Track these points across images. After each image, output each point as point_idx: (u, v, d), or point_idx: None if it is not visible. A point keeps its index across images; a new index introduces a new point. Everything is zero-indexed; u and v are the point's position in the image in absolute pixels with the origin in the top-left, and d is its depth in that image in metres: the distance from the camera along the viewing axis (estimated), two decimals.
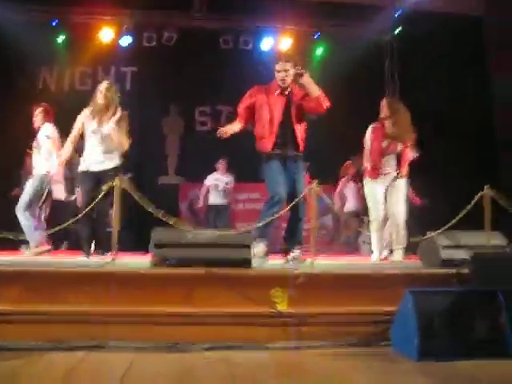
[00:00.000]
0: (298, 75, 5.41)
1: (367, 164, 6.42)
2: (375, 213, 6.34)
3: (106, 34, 11.00)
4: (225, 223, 9.90)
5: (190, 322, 3.73)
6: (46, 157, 6.65)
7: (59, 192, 8.46)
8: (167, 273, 3.93)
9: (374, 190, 6.36)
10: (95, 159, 5.91)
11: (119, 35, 11.14)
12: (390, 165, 6.35)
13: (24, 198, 6.51)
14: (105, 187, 4.73)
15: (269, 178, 5.50)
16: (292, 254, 5.39)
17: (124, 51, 11.29)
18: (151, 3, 10.51)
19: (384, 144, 6.31)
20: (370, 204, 6.45)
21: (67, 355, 3.41)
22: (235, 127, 5.53)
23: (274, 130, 5.44)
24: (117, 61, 11.57)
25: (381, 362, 3.37)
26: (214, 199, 10.21)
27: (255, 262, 4.34)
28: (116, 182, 4.50)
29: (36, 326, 3.67)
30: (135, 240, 8.89)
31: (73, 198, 8.57)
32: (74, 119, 6.11)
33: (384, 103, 6.44)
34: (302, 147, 5.57)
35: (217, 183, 10.17)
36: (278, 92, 5.48)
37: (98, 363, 3.29)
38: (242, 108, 5.61)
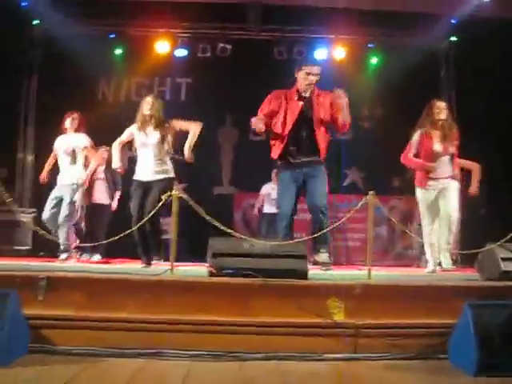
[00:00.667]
0: (340, 97, 5.39)
1: (416, 169, 6.37)
2: (426, 220, 6.27)
3: (161, 46, 11.21)
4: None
5: (247, 332, 3.75)
6: (81, 165, 6.84)
7: (102, 197, 8.71)
8: (224, 282, 3.95)
9: (424, 196, 6.28)
10: (146, 169, 6.01)
11: (174, 47, 11.33)
12: (442, 169, 6.23)
13: (63, 209, 6.67)
14: (164, 196, 4.80)
15: (278, 190, 5.54)
16: (320, 256, 5.37)
17: (179, 63, 11.47)
18: (206, 16, 10.66)
19: (436, 147, 6.18)
20: (421, 211, 6.37)
21: (126, 362, 3.48)
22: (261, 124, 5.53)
23: (286, 137, 5.42)
24: (172, 72, 11.76)
25: (437, 376, 3.32)
26: (268, 208, 10.25)
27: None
28: (174, 191, 4.57)
29: (96, 332, 3.73)
30: (189, 250, 8.99)
31: (112, 203, 8.78)
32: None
33: (443, 105, 6.31)
34: (322, 154, 5.52)
35: (270, 192, 10.21)
36: (296, 98, 5.48)
37: (155, 371, 3.34)
38: (261, 114, 5.62)
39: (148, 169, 5.99)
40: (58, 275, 4.04)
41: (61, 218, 6.65)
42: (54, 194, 6.80)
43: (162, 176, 5.97)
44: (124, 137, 6.18)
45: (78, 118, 6.92)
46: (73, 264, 6.44)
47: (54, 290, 3.87)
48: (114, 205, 8.69)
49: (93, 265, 6.52)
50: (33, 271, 4.13)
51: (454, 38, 11.09)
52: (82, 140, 6.90)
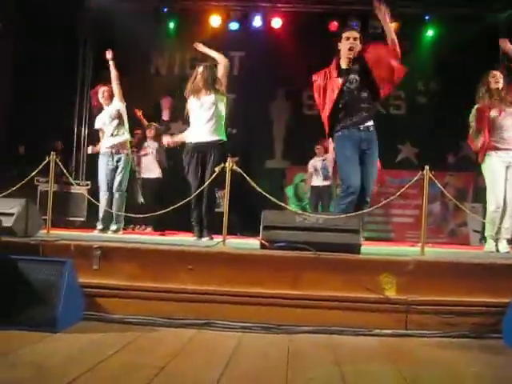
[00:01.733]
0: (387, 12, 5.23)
1: (478, 144, 6.02)
2: (492, 196, 5.90)
3: (214, 20, 11.21)
4: (327, 204, 9.94)
5: (297, 305, 3.76)
6: (123, 131, 6.93)
7: (152, 171, 8.90)
8: (276, 255, 3.96)
9: (493, 166, 5.92)
10: (200, 132, 6.06)
11: (227, 21, 11.32)
12: (508, 139, 5.92)
13: (123, 178, 6.79)
14: (217, 168, 4.83)
15: (342, 164, 5.34)
16: None
17: (232, 36, 11.45)
18: None
19: (493, 113, 5.91)
20: (487, 184, 6.01)
21: (177, 332, 3.55)
22: None
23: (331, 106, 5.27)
24: (225, 46, 11.67)
25: (491, 355, 3.26)
26: (315, 181, 10.29)
27: None
28: (227, 164, 4.58)
29: (148, 302, 3.82)
30: (241, 222, 9.04)
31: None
32: (183, 102, 6.30)
33: (498, 74, 6.03)
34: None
35: (316, 165, 10.24)
36: (335, 75, 5.28)
37: (206, 341, 3.39)
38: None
39: (203, 131, 6.04)
40: (111, 245, 4.12)
41: (115, 188, 6.78)
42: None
43: (216, 138, 6.02)
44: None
45: (107, 91, 7.00)
46: (126, 235, 6.56)
47: (108, 259, 3.96)
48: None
49: (145, 236, 6.63)
50: (87, 241, 4.22)
51: None
52: (116, 106, 6.98)
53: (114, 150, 6.85)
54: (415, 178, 4.60)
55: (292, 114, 11.85)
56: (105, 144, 6.95)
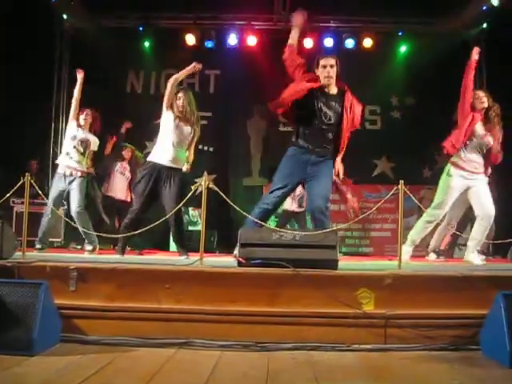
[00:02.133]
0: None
1: (454, 146, 5.99)
2: (436, 210, 6.00)
3: (189, 39, 11.21)
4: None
5: (276, 322, 3.76)
6: (91, 158, 6.92)
7: (121, 192, 8.87)
8: (253, 272, 3.95)
9: (453, 182, 5.98)
10: (166, 156, 6.06)
11: (202, 39, 11.33)
12: (478, 162, 5.99)
13: (79, 198, 6.72)
14: (193, 187, 4.82)
15: (275, 177, 5.51)
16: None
17: (207, 54, 11.44)
18: (233, 7, 10.64)
19: (479, 130, 5.94)
20: (439, 194, 6.08)
21: (156, 351, 3.52)
22: None
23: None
24: (201, 64, 11.75)
25: (470, 367, 3.27)
26: (289, 205, 10.06)
27: None
28: (203, 182, 4.56)
29: (126, 322, 3.79)
30: (219, 240, 9.02)
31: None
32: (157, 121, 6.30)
33: (483, 93, 6.06)
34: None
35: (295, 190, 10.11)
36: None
37: (185, 360, 3.36)
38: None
39: (170, 157, 6.04)
40: (88, 266, 4.09)
41: (72, 210, 6.73)
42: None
43: (179, 166, 6.05)
44: None
45: (90, 114, 6.97)
46: (103, 256, 6.50)
47: (85, 280, 3.93)
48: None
49: (123, 256, 6.57)
50: (64, 262, 4.17)
51: (484, 25, 10.88)
52: (91, 138, 6.97)
53: (67, 172, 6.78)
54: (390, 193, 4.63)
55: (268, 131, 11.87)
56: (61, 163, 6.88)
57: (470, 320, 3.74)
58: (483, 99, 6.00)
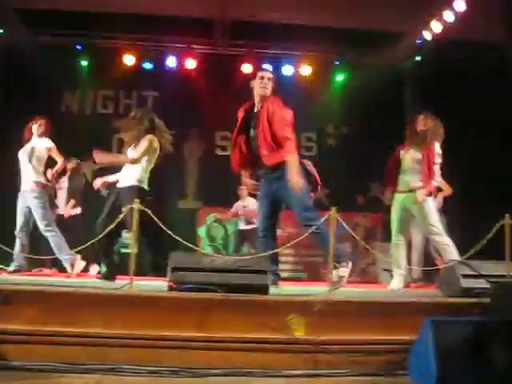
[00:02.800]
0: None
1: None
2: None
3: (128, 59, 11.15)
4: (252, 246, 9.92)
5: (206, 347, 3.69)
6: (43, 169, 6.80)
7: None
8: (182, 297, 3.90)
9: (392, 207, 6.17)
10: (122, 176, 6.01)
11: (141, 60, 11.29)
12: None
13: (46, 215, 6.57)
14: (125, 209, 4.74)
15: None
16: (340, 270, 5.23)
17: (146, 76, 11.42)
18: (173, 30, 10.65)
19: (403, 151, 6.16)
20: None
21: (82, 377, 3.40)
22: None
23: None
24: (139, 85, 11.70)
25: None
26: (239, 225, 10.31)
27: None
28: (134, 205, 4.47)
29: (52, 347, 3.65)
30: (152, 263, 8.88)
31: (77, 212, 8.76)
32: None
33: (422, 117, 6.23)
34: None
35: (238, 209, 10.23)
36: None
37: None
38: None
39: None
40: (13, 288, 3.95)
41: (41, 231, 6.62)
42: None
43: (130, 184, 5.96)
44: None
45: (44, 124, 6.89)
46: (29, 277, 6.31)
47: (9, 303, 3.77)
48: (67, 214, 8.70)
49: (51, 278, 6.39)
50: None
51: (419, 57, 11.22)
52: (44, 142, 6.90)
53: (26, 191, 6.65)
54: (323, 219, 4.67)
55: (205, 155, 11.88)
56: (23, 182, 6.78)
57: (399, 345, 3.76)
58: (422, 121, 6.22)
